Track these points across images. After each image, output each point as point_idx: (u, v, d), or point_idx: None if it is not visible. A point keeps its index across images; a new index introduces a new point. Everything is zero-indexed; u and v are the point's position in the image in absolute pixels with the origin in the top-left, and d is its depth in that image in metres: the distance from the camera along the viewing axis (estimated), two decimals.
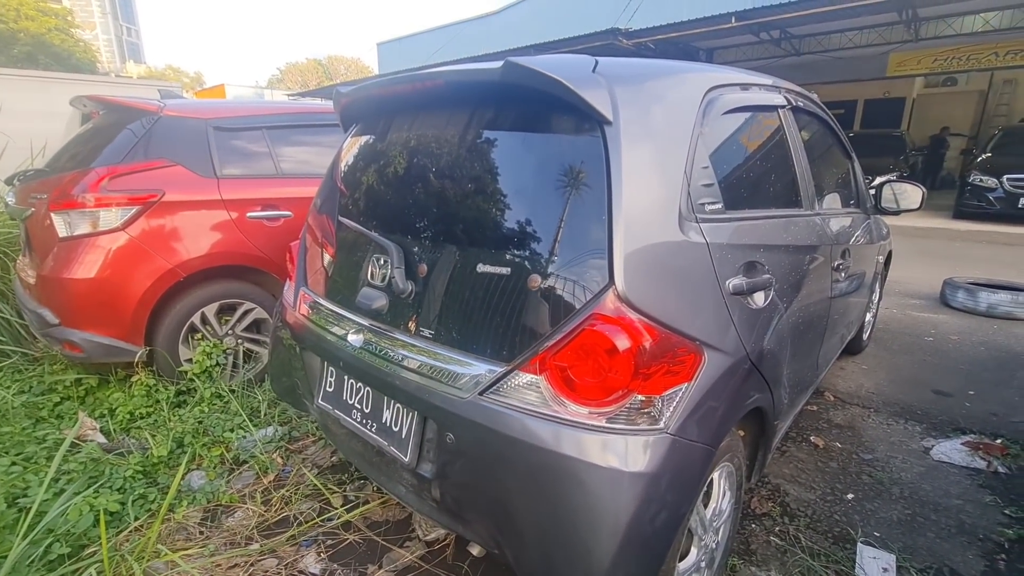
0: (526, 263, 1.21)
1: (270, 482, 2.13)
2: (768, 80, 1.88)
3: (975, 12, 10.06)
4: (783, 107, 1.87)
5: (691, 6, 11.16)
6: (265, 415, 2.57)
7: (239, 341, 2.90)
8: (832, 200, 2.35)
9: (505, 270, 1.24)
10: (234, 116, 2.92)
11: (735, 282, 1.34)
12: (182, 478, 2.13)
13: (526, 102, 1.32)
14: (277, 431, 2.44)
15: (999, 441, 2.42)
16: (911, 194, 2.68)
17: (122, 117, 2.77)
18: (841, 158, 2.58)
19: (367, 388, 1.55)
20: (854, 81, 12.84)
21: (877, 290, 3.43)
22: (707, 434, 1.22)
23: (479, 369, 1.24)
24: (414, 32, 18.71)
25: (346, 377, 1.62)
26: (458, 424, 1.26)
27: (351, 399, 1.61)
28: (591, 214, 1.16)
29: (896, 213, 2.74)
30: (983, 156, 9.26)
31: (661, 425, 1.13)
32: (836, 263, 2.06)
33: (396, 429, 1.46)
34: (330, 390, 1.70)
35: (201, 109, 2.86)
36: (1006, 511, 1.98)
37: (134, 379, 2.67)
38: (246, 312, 2.88)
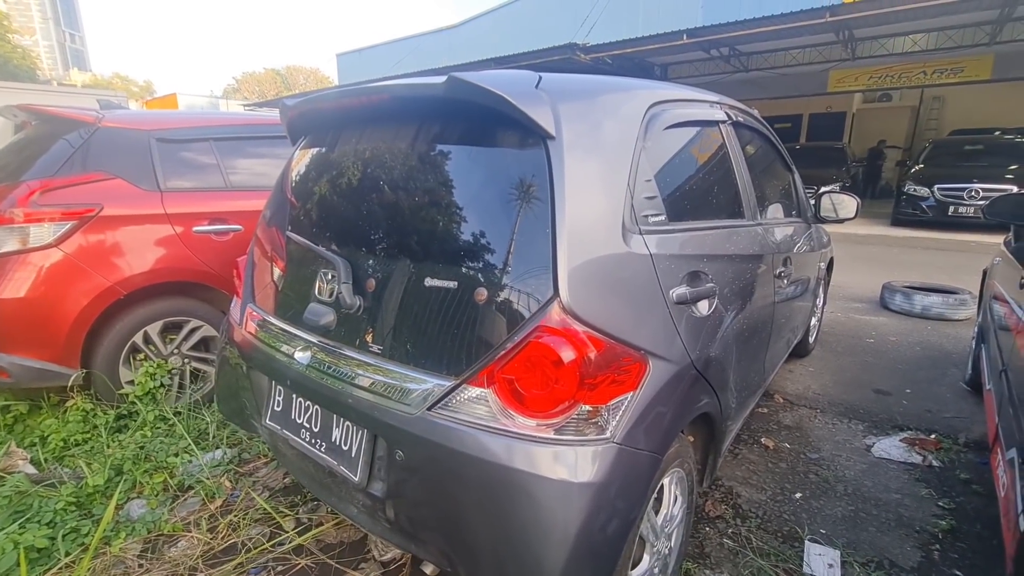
0: (473, 276, 1.22)
1: (217, 508, 2.04)
2: (710, 96, 1.96)
3: (904, 34, 10.79)
4: (724, 122, 1.95)
5: (646, 23, 11.55)
6: (214, 437, 2.47)
7: (185, 360, 2.78)
8: (774, 210, 2.46)
9: (452, 284, 1.24)
10: (179, 127, 2.82)
11: (679, 291, 1.38)
12: (120, 507, 2.01)
13: (471, 117, 1.33)
14: (226, 454, 2.34)
15: (933, 436, 2.56)
16: (847, 204, 2.83)
17: (57, 128, 2.63)
18: (782, 170, 2.70)
19: (315, 407, 1.51)
20: (799, 96, 13.52)
21: (821, 295, 3.59)
22: (654, 441, 1.24)
23: (428, 384, 1.23)
24: (374, 44, 18.62)
25: (294, 396, 1.58)
26: (407, 441, 1.25)
27: (299, 418, 1.57)
28: (536, 227, 1.17)
29: (834, 222, 2.89)
30: (916, 167, 9.88)
31: (608, 434, 1.14)
32: (778, 270, 2.15)
33: (346, 448, 1.43)
34: (278, 409, 1.65)
35: (143, 120, 2.75)
36: (940, 503, 2.09)
37: (69, 404, 2.51)
38: (193, 330, 2.77)
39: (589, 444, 1.12)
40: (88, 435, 2.42)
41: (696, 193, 1.74)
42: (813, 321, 3.48)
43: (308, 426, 1.54)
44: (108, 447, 2.34)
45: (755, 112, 2.36)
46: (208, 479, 2.15)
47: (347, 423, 1.42)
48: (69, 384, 2.40)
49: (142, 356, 2.63)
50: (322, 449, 1.49)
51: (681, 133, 1.69)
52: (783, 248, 2.26)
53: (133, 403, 2.53)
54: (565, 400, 1.12)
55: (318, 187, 1.68)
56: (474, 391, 1.18)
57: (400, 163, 1.43)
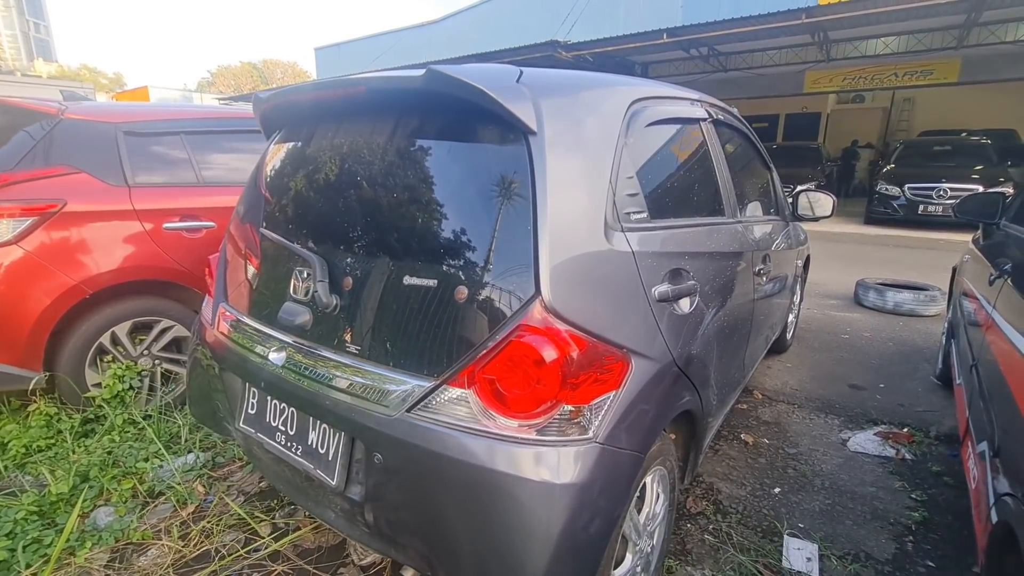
0: (453, 275, 1.19)
1: (189, 514, 1.98)
2: (691, 94, 1.96)
3: (877, 36, 11.05)
4: (705, 120, 1.95)
5: (627, 22, 11.60)
6: (186, 441, 2.39)
7: (156, 362, 2.69)
8: (753, 208, 2.48)
9: (431, 282, 1.21)
10: (148, 120, 2.72)
11: (661, 289, 1.38)
12: (86, 516, 1.94)
13: (451, 111, 1.30)
14: (199, 458, 2.27)
15: (906, 430, 2.62)
16: (824, 203, 2.88)
17: (16, 120, 2.52)
18: (761, 169, 2.73)
19: (291, 409, 1.46)
20: (776, 96, 13.76)
21: (798, 292, 3.65)
22: (637, 440, 1.23)
23: (406, 385, 1.20)
24: (353, 38, 18.34)
25: (268, 398, 1.53)
26: (385, 443, 1.21)
27: (274, 421, 1.52)
28: (518, 225, 1.15)
29: (811, 220, 2.93)
30: (888, 167, 10.14)
31: (590, 434, 1.13)
32: (758, 268, 2.17)
33: (323, 451, 1.39)
34: (252, 412, 1.60)
35: (109, 112, 2.65)
36: (912, 495, 2.14)
37: (32, 408, 2.41)
38: (164, 330, 2.68)
39: (571, 444, 1.11)
40: (52, 441, 2.32)
41: (677, 190, 1.74)
42: (791, 317, 3.53)
43: (283, 429, 1.50)
44: (74, 452, 2.25)
45: (735, 111, 2.38)
46: (180, 484, 2.08)
47: (324, 426, 1.38)
48: (30, 388, 2.30)
49: (110, 358, 2.54)
50: (298, 453, 1.45)
51: (663, 130, 1.69)
52: (762, 245, 2.28)
53: (100, 407, 2.43)
54: (547, 400, 1.10)
55: (293, 183, 1.63)
56: (454, 392, 1.15)
57: (378, 158, 1.39)
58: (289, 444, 1.48)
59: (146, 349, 2.65)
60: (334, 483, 1.33)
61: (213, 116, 3.04)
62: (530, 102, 1.20)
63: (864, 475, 2.28)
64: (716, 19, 9.23)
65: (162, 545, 1.82)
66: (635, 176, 1.43)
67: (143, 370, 2.62)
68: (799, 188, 2.90)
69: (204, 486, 2.14)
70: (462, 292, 1.16)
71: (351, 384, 1.28)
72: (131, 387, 2.53)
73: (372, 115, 1.44)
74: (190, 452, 2.31)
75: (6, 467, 2.17)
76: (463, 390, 1.14)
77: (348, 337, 1.33)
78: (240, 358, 1.60)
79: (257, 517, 1.94)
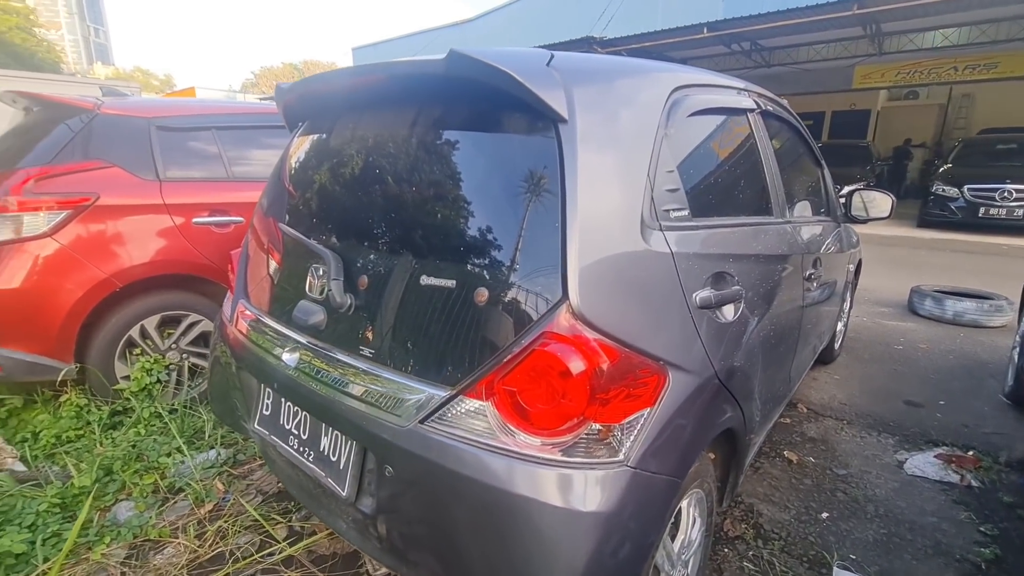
0: (473, 275, 1.09)
1: (208, 512, 1.95)
2: (738, 83, 1.81)
3: (935, 28, 10.41)
4: (753, 111, 1.79)
5: (665, 16, 11.30)
6: (209, 436, 2.38)
7: (184, 356, 2.70)
8: (802, 208, 2.29)
9: (450, 283, 1.11)
10: (180, 115, 2.74)
11: (703, 295, 1.24)
12: (107, 510, 1.93)
13: (475, 98, 1.20)
14: (220, 455, 2.25)
15: (971, 453, 2.38)
16: (880, 202, 2.65)
17: (55, 114, 2.56)
18: (811, 165, 2.53)
19: (303, 413, 1.40)
20: (822, 93, 13.16)
21: (848, 299, 3.41)
22: (673, 464, 1.11)
23: (421, 394, 1.11)
24: (390, 37, 18.56)
25: (282, 400, 1.47)
26: (397, 455, 1.13)
27: (288, 424, 1.46)
28: (544, 221, 1.04)
29: (865, 221, 2.71)
30: (945, 167, 9.53)
31: (621, 457, 1.01)
32: (807, 272, 1.99)
33: (334, 459, 1.31)
34: (267, 413, 1.54)
35: (143, 107, 2.67)
36: (981, 528, 1.92)
37: (63, 399, 2.44)
38: (192, 325, 2.69)
39: (600, 467, 0.99)
40: (81, 432, 2.35)
41: (722, 187, 1.59)
42: (840, 326, 3.30)
43: (296, 433, 1.44)
44: (100, 445, 2.26)
45: (784, 102, 2.20)
46: (200, 481, 2.06)
47: (335, 432, 1.30)
48: (58, 379, 2.33)
49: (139, 351, 2.56)
50: (310, 459, 1.38)
51: (706, 121, 1.55)
52: (812, 248, 2.10)
53: (128, 399, 2.45)
54: (573, 417, 0.99)
55: (311, 177, 1.57)
56: (472, 403, 1.05)
57: (397, 150, 1.31)
58: (301, 449, 1.41)
59: (174, 343, 2.66)
60: (344, 494, 1.26)
61: (245, 111, 3.04)
62: (561, 88, 1.09)
63: (924, 503, 2.07)
64: (760, 12, 8.85)
65: (178, 544, 1.79)
66: (675, 170, 1.29)
67: (171, 364, 2.64)
68: (853, 187, 2.68)
69: (224, 483, 2.11)
70: (482, 294, 1.06)
71: (363, 390, 1.20)
72: (158, 380, 2.54)
73: (393, 104, 1.36)
74: (212, 448, 2.30)
75: (36, 456, 2.20)
76: (481, 402, 1.04)
77: (362, 339, 1.25)
78: (256, 357, 1.55)
79: (273, 519, 1.90)
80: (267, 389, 1.52)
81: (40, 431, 2.31)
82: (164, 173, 2.59)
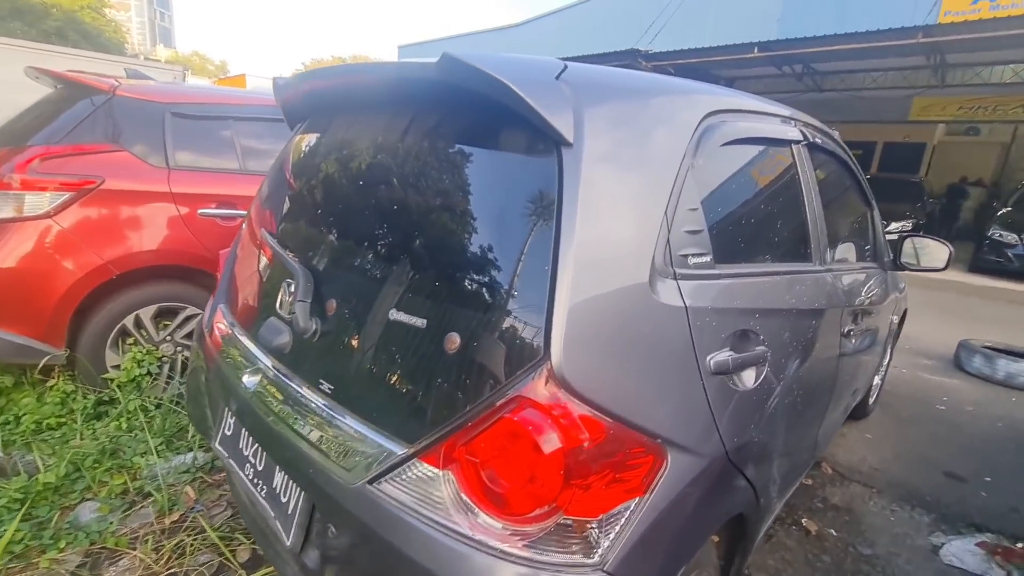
0: (446, 316, 0.93)
1: (172, 523, 1.84)
2: (782, 109, 1.61)
3: (1004, 63, 9.81)
4: (798, 142, 1.59)
5: (715, 33, 10.99)
6: (191, 438, 2.29)
7: (177, 349, 2.62)
8: (846, 253, 2.06)
9: (420, 321, 0.96)
10: (198, 103, 2.68)
11: (719, 358, 1.06)
12: (72, 508, 1.85)
13: (471, 109, 1.05)
14: (197, 459, 2.15)
15: (1020, 546, 2.09)
16: (935, 252, 2.39)
17: (72, 94, 2.53)
18: (860, 205, 2.29)
19: (257, 444, 1.26)
20: (875, 122, 12.57)
21: (889, 351, 3.12)
22: (662, 566, 0.93)
23: (375, 448, 0.96)
24: (436, 38, 18.69)
25: (239, 424, 1.34)
26: (339, 515, 0.98)
27: (246, 450, 1.33)
28: (532, 261, 0.88)
29: (917, 271, 2.45)
30: (1004, 210, 8.92)
31: (595, 559, 0.83)
32: (846, 328, 1.76)
33: (284, 500, 1.17)
34: (228, 433, 1.42)
35: (161, 92, 2.62)
36: None
37: (50, 384, 2.39)
38: (189, 318, 2.61)
39: (570, 571, 0.82)
40: (63, 420, 2.28)
41: (754, 228, 1.40)
42: (876, 379, 3.02)
43: (253, 462, 1.30)
44: (81, 436, 2.19)
45: (835, 133, 1.98)
46: (170, 487, 1.96)
47: (284, 474, 1.16)
48: (41, 364, 2.27)
49: (132, 340, 2.49)
50: (263, 494, 1.25)
51: (742, 151, 1.36)
52: (854, 300, 1.87)
53: (116, 390, 2.38)
54: (542, 504, 0.82)
55: (297, 182, 1.45)
56: (427, 469, 0.89)
57: (383, 162, 1.16)
58: (256, 481, 1.28)
59: (169, 335, 2.59)
60: (289, 543, 1.12)
61: (263, 103, 2.97)
62: (569, 106, 0.92)
63: None
64: (817, 34, 8.49)
65: (134, 556, 1.68)
66: (700, 208, 1.11)
67: (163, 356, 2.56)
68: (894, 226, 2.42)
69: (196, 491, 2.01)
70: (453, 341, 0.90)
71: (315, 432, 1.06)
72: (149, 373, 2.47)
73: (385, 110, 1.22)
74: (191, 451, 2.20)
75: (13, 442, 2.14)
76: (438, 469, 0.88)
77: (323, 371, 1.11)
78: (221, 371, 1.43)
79: (237, 539, 1.78)
80: (228, 408, 1.40)
81: (23, 415, 2.26)
82: (174, 161, 2.53)
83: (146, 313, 2.50)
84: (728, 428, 1.06)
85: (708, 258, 1.11)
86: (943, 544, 2.09)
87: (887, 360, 3.19)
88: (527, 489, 0.82)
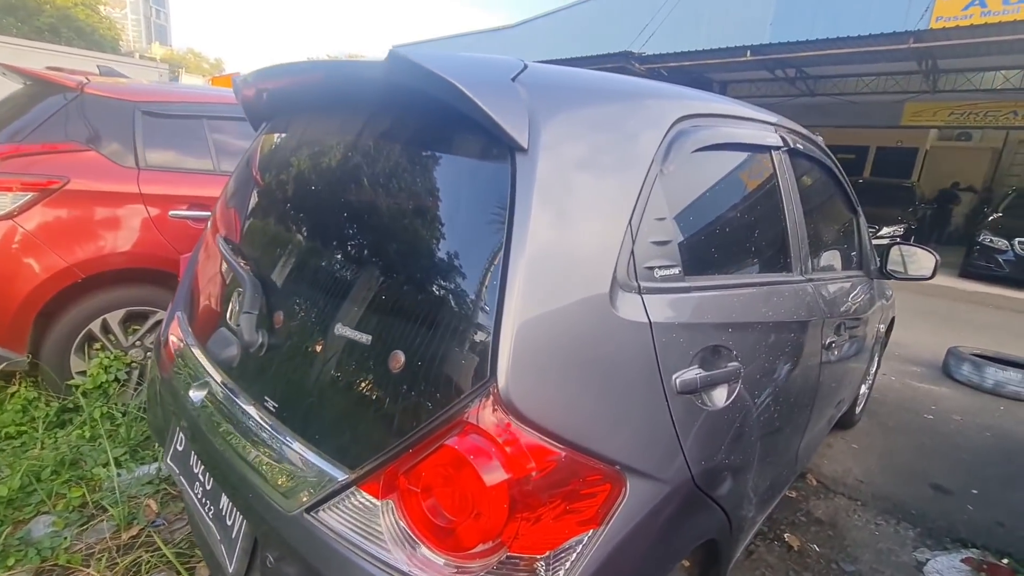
0: (391, 332, 0.87)
1: (131, 537, 1.77)
2: (762, 114, 1.55)
3: (996, 69, 9.83)
4: (778, 148, 1.54)
5: (708, 36, 10.97)
6: (158, 447, 2.21)
7: (148, 354, 2.55)
8: (830, 261, 2.02)
9: (365, 337, 0.90)
10: (171, 101, 2.60)
11: (686, 377, 1.00)
12: (25, 522, 1.77)
13: (424, 110, 0.99)
14: (161, 469, 2.08)
15: (1006, 562, 2.05)
16: (923, 260, 2.35)
17: (40, 91, 2.45)
18: (844, 212, 2.25)
19: (203, 463, 1.20)
20: (867, 127, 12.59)
21: (876, 360, 3.08)
22: None
23: (314, 471, 0.89)
24: (430, 38, 18.62)
25: (189, 439, 1.28)
26: (277, 545, 0.92)
27: (196, 468, 1.26)
28: (481, 272, 0.82)
29: (904, 279, 2.41)
30: (995, 216, 8.95)
31: None
32: (828, 340, 1.71)
33: (229, 523, 1.11)
34: (179, 449, 1.35)
35: (131, 90, 2.54)
36: None
37: (11, 391, 2.31)
38: (159, 322, 2.54)
39: None
40: (24, 428, 2.20)
41: (729, 238, 1.34)
42: (863, 388, 2.97)
43: (202, 480, 1.24)
44: (42, 446, 2.12)
45: (819, 139, 1.93)
46: (130, 500, 1.88)
47: (226, 498, 1.10)
48: (0, 369, 2.19)
49: (99, 346, 2.42)
50: (210, 514, 1.18)
51: (717, 158, 1.30)
52: (837, 311, 1.82)
53: (80, 396, 2.30)
54: (486, 539, 0.76)
55: (253, 187, 1.39)
56: (367, 498, 0.83)
57: (334, 166, 1.10)
58: (204, 500, 1.21)
59: (139, 340, 2.52)
60: (231, 569, 1.05)
61: None
62: (525, 108, 0.87)
63: None
64: (809, 38, 8.48)
65: (87, 575, 1.61)
66: (668, 218, 1.06)
67: (133, 362, 2.49)
68: (884, 232, 2.38)
69: (158, 504, 1.93)
70: (398, 359, 0.84)
71: (256, 453, 0.99)
72: (117, 379, 2.39)
73: (339, 110, 1.16)
74: (156, 461, 2.13)
75: None
76: (377, 499, 0.82)
77: (268, 388, 1.05)
78: (172, 383, 1.36)
79: (196, 556, 1.70)
80: (177, 422, 1.34)
81: None
82: (144, 160, 2.46)
83: (114, 318, 2.42)
84: (695, 450, 1.00)
85: (676, 270, 1.06)
86: (927, 560, 2.04)
87: (874, 369, 3.15)
88: (471, 522, 0.76)
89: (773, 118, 1.61)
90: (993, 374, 3.83)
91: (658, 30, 11.23)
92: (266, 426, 1.01)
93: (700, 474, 1.01)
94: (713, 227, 1.27)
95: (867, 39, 7.99)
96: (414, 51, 0.87)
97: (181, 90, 2.82)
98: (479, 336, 0.78)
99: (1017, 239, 8.06)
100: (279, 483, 0.93)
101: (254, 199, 1.38)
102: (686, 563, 1.22)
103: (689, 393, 1.01)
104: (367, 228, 1.00)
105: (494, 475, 0.74)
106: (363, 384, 0.89)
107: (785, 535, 2.10)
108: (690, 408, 1.01)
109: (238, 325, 1.10)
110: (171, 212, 2.48)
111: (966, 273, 8.67)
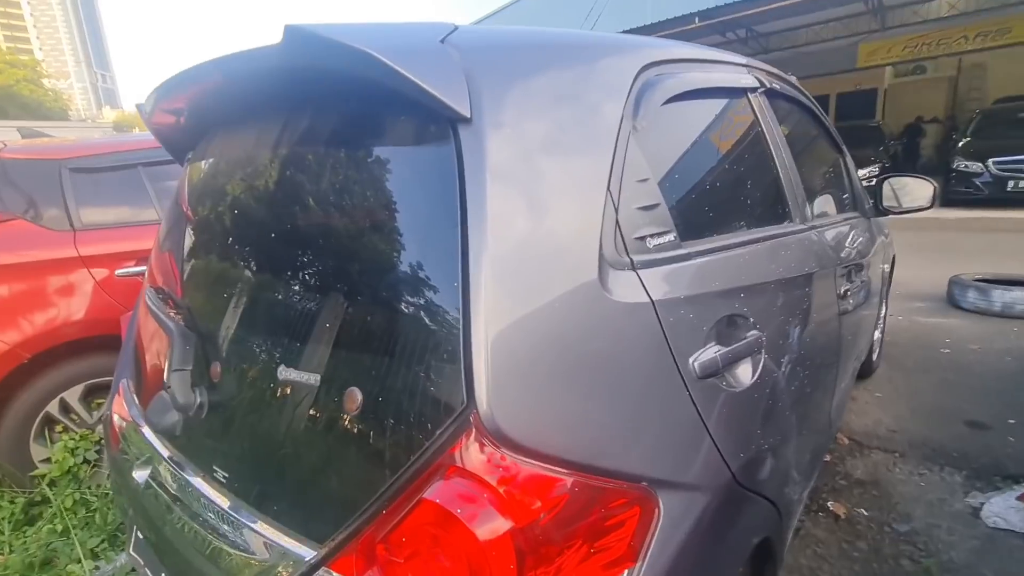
0: (342, 366, 0.71)
1: None
2: (731, 56, 1.41)
3: None
4: (755, 90, 1.39)
5: (655, 10, 10.91)
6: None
7: None
8: (824, 206, 1.88)
9: (312, 378, 0.73)
10: (98, 154, 2.41)
11: (705, 357, 0.84)
12: None
13: (342, 98, 0.83)
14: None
15: None
16: (918, 190, 2.23)
17: None
18: (831, 152, 2.12)
19: (155, 553, 1.02)
20: (825, 75, 12.64)
21: (884, 303, 2.96)
22: None
23: (277, 553, 0.72)
24: None
25: (140, 526, 1.10)
26: None
27: (156, 559, 1.08)
28: (438, 277, 0.66)
29: (902, 214, 2.28)
30: (964, 141, 8.96)
31: None
32: (843, 289, 1.57)
33: None
34: (140, 537, 1.17)
35: (53, 149, 2.35)
36: None
37: None
38: None
39: None
40: None
41: (721, 193, 1.19)
42: (876, 334, 2.85)
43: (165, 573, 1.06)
44: (9, 549, 1.91)
45: (792, 78, 1.80)
46: None
47: None
48: None
49: (61, 428, 2.21)
50: None
51: (692, 107, 1.15)
52: (846, 257, 1.68)
53: (47, 488, 2.10)
54: None
55: (182, 225, 1.21)
56: None
57: (257, 185, 0.94)
58: None
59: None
60: None
61: None
62: (460, 71, 0.71)
63: (1020, 568, 1.62)
64: None
65: None
66: (652, 179, 0.90)
67: (101, 439, 2.28)
68: (883, 176, 2.25)
69: None
70: (354, 398, 0.68)
71: (209, 538, 0.82)
72: (86, 460, 2.18)
73: (249, 115, 0.99)
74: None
75: None
76: None
77: (216, 456, 0.88)
78: (119, 461, 1.19)
79: None
80: (129, 508, 1.15)
81: None
82: (80, 220, 2.26)
83: (73, 395, 2.22)
84: (730, 442, 0.85)
85: (672, 236, 0.90)
86: (983, 504, 1.90)
87: (884, 311, 3.03)
88: None
89: (742, 59, 1.47)
90: (1000, 296, 3.73)
91: (605, 10, 11.16)
92: (217, 503, 0.83)
93: (741, 469, 0.85)
94: (703, 183, 1.12)
95: None
96: (316, 25, 0.71)
97: (110, 141, 2.63)
98: (445, 355, 0.62)
99: (991, 159, 8.07)
100: (239, 573, 0.76)
101: (185, 238, 1.20)
102: (740, 570, 1.06)
103: (711, 376, 0.85)
104: (298, 248, 0.84)
105: (490, 526, 0.58)
106: (318, 435, 0.72)
107: (829, 504, 1.95)
108: (715, 393, 0.85)
109: (169, 387, 0.92)
110: (118, 271, 2.28)
111: (947, 201, 8.64)
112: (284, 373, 0.77)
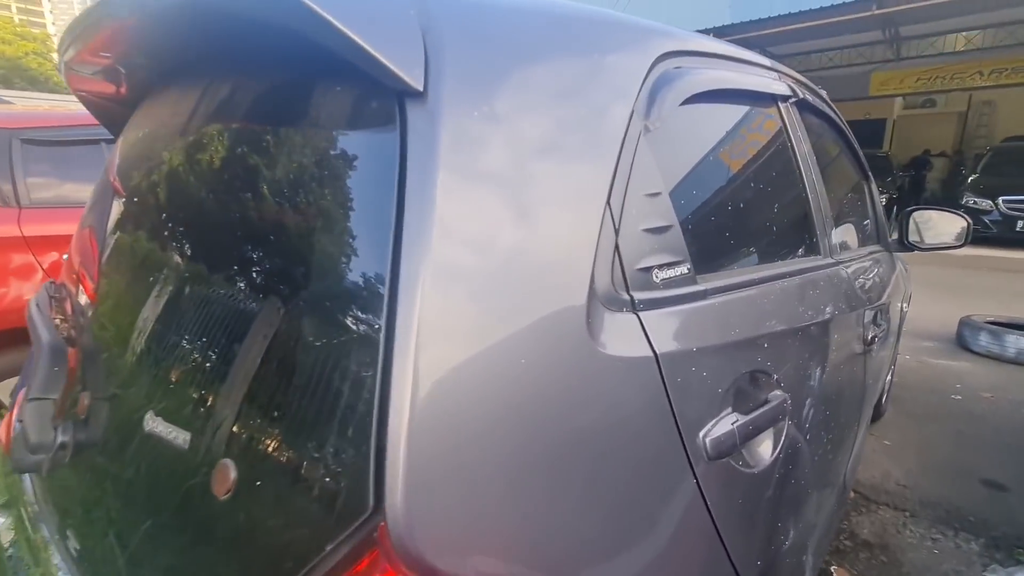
0: (216, 428, 0.50)
1: None
2: (760, 58, 1.22)
3: (957, 31, 9.80)
4: (786, 99, 1.20)
5: (669, 22, 10.80)
6: None
7: None
8: (846, 236, 1.69)
9: (182, 437, 0.53)
10: (58, 125, 2.21)
11: (720, 431, 0.64)
12: None
13: (266, 55, 0.63)
14: None
15: None
16: (947, 226, 2.04)
17: None
18: (857, 177, 1.93)
19: None
20: (836, 100, 12.46)
21: (898, 342, 2.76)
22: None
23: None
24: None
25: None
26: None
27: None
28: (354, 311, 0.46)
29: (927, 250, 2.09)
30: (974, 177, 8.84)
31: None
32: (869, 335, 1.37)
33: None
34: None
35: (4, 117, 2.14)
36: None
37: None
38: None
39: None
40: None
41: (746, 217, 1.00)
42: (887, 376, 2.65)
43: None
44: None
45: (823, 92, 1.61)
46: None
47: None
48: None
49: None
50: None
51: (716, 112, 0.96)
52: (873, 297, 1.49)
53: None
54: None
55: (87, 216, 1.01)
56: None
57: (169, 168, 0.74)
58: None
59: None
60: None
61: None
62: (416, 29, 0.51)
63: None
64: (770, 15, 8.33)
65: None
66: (663, 193, 0.70)
67: None
68: (912, 208, 2.07)
69: None
70: (225, 476, 0.47)
71: None
72: None
73: (165, 75, 0.80)
74: None
75: None
76: None
77: (70, 521, 0.67)
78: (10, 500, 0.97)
79: None
80: None
81: None
82: (28, 197, 2.05)
83: (3, 390, 2.00)
84: (742, 545, 0.64)
85: (686, 268, 0.70)
86: None
87: (896, 353, 2.84)
88: None
89: (770, 62, 1.28)
90: (1015, 342, 3.55)
91: None
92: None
93: (748, 565, 0.65)
94: (725, 204, 0.92)
95: (828, 10, 7.86)
96: None
97: (72, 113, 2.42)
98: (350, 428, 0.42)
99: (1001, 198, 7.93)
100: None
101: (86, 235, 1.00)
102: None
103: (726, 456, 0.65)
104: (197, 248, 0.64)
105: None
106: (181, 519, 0.52)
107: (832, 569, 1.75)
108: (729, 478, 0.65)
109: (22, 420, 0.71)
110: (66, 255, 2.07)
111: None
112: (151, 423, 0.56)
